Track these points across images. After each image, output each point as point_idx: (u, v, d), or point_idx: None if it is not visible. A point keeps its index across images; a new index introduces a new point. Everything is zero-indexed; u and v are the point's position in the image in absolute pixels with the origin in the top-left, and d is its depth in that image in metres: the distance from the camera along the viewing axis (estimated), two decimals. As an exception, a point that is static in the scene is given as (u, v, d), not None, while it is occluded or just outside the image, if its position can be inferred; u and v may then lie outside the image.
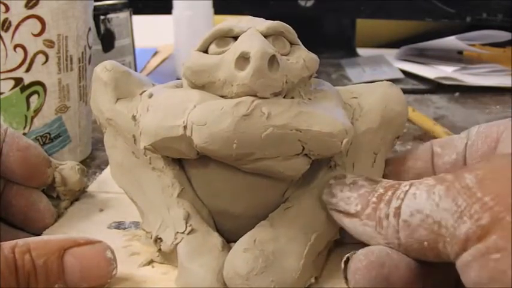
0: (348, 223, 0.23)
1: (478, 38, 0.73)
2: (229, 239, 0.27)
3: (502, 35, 0.71)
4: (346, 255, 0.22)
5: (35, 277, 0.23)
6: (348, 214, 0.23)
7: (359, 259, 0.22)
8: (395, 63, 0.74)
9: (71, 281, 0.24)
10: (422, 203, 0.20)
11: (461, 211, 0.19)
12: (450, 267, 0.20)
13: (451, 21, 0.73)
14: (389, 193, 0.22)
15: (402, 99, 0.28)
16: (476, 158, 0.26)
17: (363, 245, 0.23)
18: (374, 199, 0.22)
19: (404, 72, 0.69)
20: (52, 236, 0.25)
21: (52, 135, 0.40)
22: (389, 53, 0.80)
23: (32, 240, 0.24)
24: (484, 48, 0.78)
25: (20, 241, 0.23)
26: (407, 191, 0.21)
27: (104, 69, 0.29)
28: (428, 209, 0.20)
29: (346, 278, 0.22)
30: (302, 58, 0.26)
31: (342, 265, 0.22)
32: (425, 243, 0.20)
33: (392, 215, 0.21)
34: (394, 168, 0.29)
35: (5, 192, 0.30)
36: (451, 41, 0.72)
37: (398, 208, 0.21)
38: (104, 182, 0.38)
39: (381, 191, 0.22)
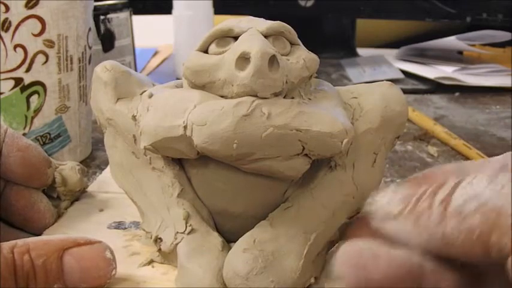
0: (391, 227, 0.20)
1: (478, 38, 0.73)
2: (229, 239, 0.27)
3: (502, 35, 0.71)
4: (332, 248, 0.23)
5: (34, 277, 0.23)
6: (389, 216, 0.20)
7: (342, 249, 0.21)
8: (395, 63, 0.74)
9: (70, 281, 0.24)
10: (481, 189, 0.18)
11: None
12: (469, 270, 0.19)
13: (451, 21, 0.73)
14: (434, 187, 0.19)
15: (402, 99, 0.28)
16: None
17: None
18: (417, 195, 0.20)
19: (404, 72, 0.69)
20: (51, 236, 0.25)
21: (52, 135, 0.40)
22: (389, 53, 0.80)
23: (31, 240, 0.24)
24: (484, 48, 0.78)
25: (20, 241, 0.23)
26: (459, 182, 0.19)
27: (104, 69, 0.29)
28: (488, 195, 0.17)
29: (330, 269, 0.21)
30: (302, 58, 0.26)
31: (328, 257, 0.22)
32: (477, 232, 0.17)
33: (437, 204, 0.19)
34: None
35: (5, 192, 0.30)
36: (451, 41, 0.72)
37: (449, 195, 0.18)
38: (104, 182, 0.38)
39: (424, 187, 0.20)
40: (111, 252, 0.25)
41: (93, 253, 0.24)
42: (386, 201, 0.21)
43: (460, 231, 0.18)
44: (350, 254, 0.20)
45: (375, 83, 0.29)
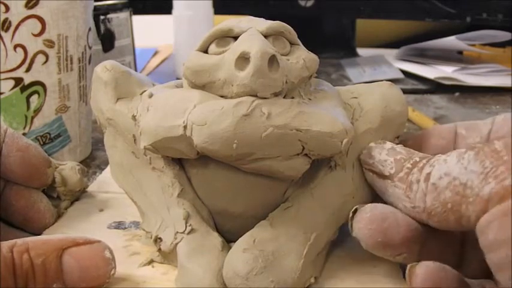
0: (380, 184, 0.24)
1: (478, 38, 0.73)
2: (229, 238, 0.27)
3: (502, 35, 0.71)
4: (355, 207, 0.24)
5: (33, 277, 0.23)
6: (382, 175, 0.24)
7: (365, 211, 0.24)
8: (395, 63, 0.74)
9: (70, 280, 0.23)
10: (451, 166, 0.20)
11: (487, 172, 0.19)
12: (456, 236, 0.22)
13: (451, 21, 0.73)
14: (424, 161, 0.22)
15: (402, 99, 0.28)
16: None
17: (361, 248, 0.24)
18: (408, 165, 0.23)
19: (404, 72, 0.69)
20: (51, 236, 0.25)
21: (52, 135, 0.40)
22: (389, 53, 0.80)
23: (31, 239, 0.24)
24: (484, 48, 0.78)
25: (19, 241, 0.23)
26: (438, 158, 0.22)
27: (104, 69, 0.29)
28: (457, 171, 0.20)
29: (351, 227, 0.24)
30: (302, 58, 0.26)
31: (350, 214, 0.24)
32: (449, 205, 0.20)
33: (423, 179, 0.22)
34: (415, 143, 0.29)
35: (5, 192, 0.30)
36: (451, 41, 0.72)
37: (429, 173, 0.21)
38: (104, 182, 0.38)
39: (417, 159, 0.23)
40: (111, 252, 0.25)
41: (92, 253, 0.24)
42: (383, 159, 0.24)
43: (437, 204, 0.21)
44: (371, 218, 0.23)
45: (374, 83, 0.29)
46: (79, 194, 0.35)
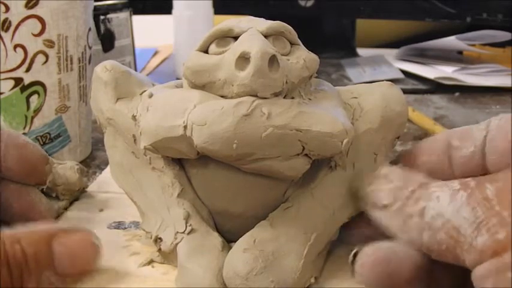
0: (378, 215, 0.23)
1: (478, 38, 0.73)
2: (229, 239, 0.27)
3: (502, 35, 0.71)
4: (355, 249, 0.23)
5: (27, 266, 0.23)
6: (380, 207, 0.23)
7: (367, 254, 0.22)
8: (395, 63, 0.74)
9: (60, 267, 0.24)
10: (444, 206, 0.20)
11: (480, 222, 0.19)
12: (458, 268, 0.21)
13: (451, 21, 0.73)
14: (418, 193, 0.22)
15: (402, 99, 0.28)
16: (495, 154, 0.25)
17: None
18: (404, 195, 0.22)
19: (404, 72, 0.69)
20: (38, 226, 0.25)
21: (52, 135, 0.40)
22: (389, 53, 0.80)
23: (20, 230, 0.24)
24: (484, 48, 0.78)
25: (7, 232, 0.23)
26: (433, 191, 0.21)
27: (104, 69, 0.29)
28: (449, 213, 0.20)
29: (353, 271, 0.23)
30: (302, 58, 0.26)
31: (351, 258, 0.23)
32: (444, 246, 0.20)
33: (417, 215, 0.21)
34: (407, 163, 0.28)
35: (2, 192, 0.30)
36: (451, 41, 0.72)
37: (423, 209, 0.21)
38: (104, 182, 0.38)
39: (414, 187, 0.22)
40: (97, 239, 0.25)
41: (80, 239, 0.25)
42: (378, 189, 0.23)
43: (434, 242, 0.21)
44: (375, 263, 0.22)
45: (375, 83, 0.29)
46: (78, 194, 0.35)
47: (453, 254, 0.20)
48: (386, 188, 0.23)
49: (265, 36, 0.25)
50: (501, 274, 0.18)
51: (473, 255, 0.19)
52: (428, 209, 0.21)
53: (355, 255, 0.23)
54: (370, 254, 0.22)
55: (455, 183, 0.21)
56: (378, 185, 0.24)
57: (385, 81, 0.29)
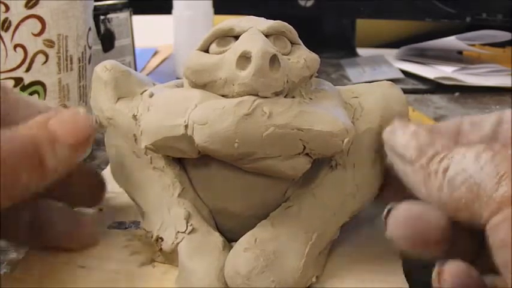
0: (401, 167, 0.24)
1: (478, 38, 0.73)
2: (230, 238, 0.27)
3: (502, 35, 0.71)
4: (389, 206, 0.24)
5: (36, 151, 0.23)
6: (403, 159, 0.24)
7: (401, 211, 0.24)
8: (395, 63, 0.74)
9: (62, 139, 0.24)
10: (469, 164, 0.21)
11: (501, 176, 0.20)
12: (474, 234, 0.23)
13: (451, 21, 0.73)
14: (445, 152, 0.23)
15: (403, 99, 0.28)
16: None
17: (363, 247, 0.23)
18: (430, 153, 0.23)
19: (404, 72, 0.69)
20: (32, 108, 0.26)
21: (52, 135, 0.40)
22: (389, 53, 0.80)
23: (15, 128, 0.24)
24: (484, 48, 0.78)
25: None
26: (458, 152, 0.22)
27: (104, 69, 0.29)
28: (473, 170, 0.21)
29: (385, 226, 0.24)
30: (303, 58, 0.26)
31: (384, 213, 0.24)
32: (463, 200, 0.21)
33: (441, 172, 0.22)
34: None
35: (43, 213, 0.30)
36: (451, 41, 0.72)
37: (447, 167, 0.22)
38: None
39: (438, 148, 0.23)
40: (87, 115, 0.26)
41: (71, 113, 0.25)
42: (406, 141, 0.24)
43: (452, 198, 0.22)
44: (407, 223, 0.23)
45: (375, 82, 0.29)
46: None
47: (470, 210, 0.21)
48: (414, 143, 0.24)
49: (266, 36, 0.25)
50: None
51: (492, 206, 0.20)
52: (452, 166, 0.22)
53: (388, 211, 0.24)
54: (403, 211, 0.24)
55: (481, 146, 0.22)
56: (406, 138, 0.24)
57: (385, 81, 0.29)
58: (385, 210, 0.24)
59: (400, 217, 0.24)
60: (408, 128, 0.25)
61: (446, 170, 0.22)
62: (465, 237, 0.24)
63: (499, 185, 0.20)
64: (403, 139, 0.24)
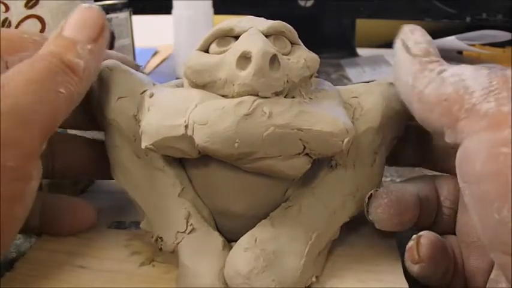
0: (401, 56, 0.24)
1: (478, 38, 0.73)
2: (230, 238, 0.27)
3: (502, 35, 0.71)
4: (370, 192, 0.27)
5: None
6: (408, 51, 0.24)
7: (381, 196, 0.26)
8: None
9: (82, 40, 0.26)
10: (466, 72, 0.21)
11: (491, 90, 0.20)
12: (431, 205, 0.27)
13: (451, 21, 0.73)
14: (446, 64, 0.23)
15: None
16: None
17: (362, 247, 0.24)
18: (434, 58, 0.24)
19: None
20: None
21: (52, 135, 0.40)
22: (390, 53, 0.80)
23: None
24: (484, 48, 0.78)
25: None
26: (458, 66, 0.22)
27: (105, 69, 0.29)
28: (467, 76, 0.21)
29: (367, 212, 0.27)
30: (303, 58, 0.26)
31: (366, 200, 0.27)
32: (444, 98, 0.21)
33: (436, 71, 0.22)
34: None
35: (52, 208, 0.31)
36: (451, 41, 0.72)
37: (443, 70, 0.22)
38: (104, 182, 0.38)
39: (444, 63, 0.23)
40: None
41: (77, 13, 0.27)
42: (418, 40, 0.24)
43: (434, 94, 0.21)
44: (389, 204, 0.26)
45: (374, 82, 0.29)
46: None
47: (446, 109, 0.21)
48: (425, 45, 0.24)
49: (266, 36, 0.25)
50: (496, 149, 0.18)
51: (472, 118, 0.19)
52: (449, 69, 0.22)
53: (369, 197, 0.27)
54: (384, 196, 0.26)
55: (484, 67, 0.22)
56: (421, 38, 0.25)
57: (385, 81, 0.29)
58: (367, 196, 0.27)
59: (382, 203, 0.26)
60: (426, 35, 0.25)
61: (442, 71, 0.22)
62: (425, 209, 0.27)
63: (487, 98, 0.19)
64: (418, 38, 0.25)
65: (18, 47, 0.26)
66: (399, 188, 0.27)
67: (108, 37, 0.28)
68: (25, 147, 0.22)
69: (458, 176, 0.20)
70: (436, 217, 0.28)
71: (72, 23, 0.26)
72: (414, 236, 0.26)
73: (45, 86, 0.23)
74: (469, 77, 0.21)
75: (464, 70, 0.21)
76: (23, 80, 0.23)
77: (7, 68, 0.25)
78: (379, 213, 0.26)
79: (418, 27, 0.25)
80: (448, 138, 0.21)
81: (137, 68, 0.32)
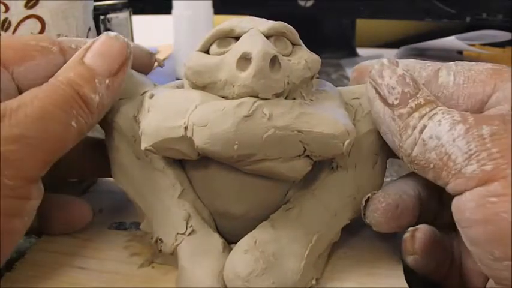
0: (380, 108, 0.25)
1: (478, 38, 0.73)
2: (230, 240, 0.27)
3: (502, 35, 0.71)
4: (367, 195, 0.26)
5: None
6: (385, 102, 0.25)
7: (378, 200, 0.26)
8: (395, 63, 0.74)
9: (101, 74, 0.25)
10: (442, 132, 0.22)
11: (471, 154, 0.21)
12: (432, 203, 0.27)
13: (451, 21, 0.73)
14: (427, 109, 0.23)
15: None
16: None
17: (363, 250, 0.24)
18: (412, 104, 0.24)
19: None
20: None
21: (52, 136, 0.40)
22: (389, 53, 0.80)
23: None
24: (484, 48, 0.78)
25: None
26: (437, 113, 0.23)
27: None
28: (445, 139, 0.22)
29: (364, 215, 0.26)
30: (304, 59, 0.26)
31: (363, 203, 0.26)
32: (432, 165, 0.23)
33: (418, 130, 0.23)
34: None
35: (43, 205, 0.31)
36: (451, 41, 0.72)
37: (425, 127, 0.23)
38: (105, 182, 0.38)
39: (421, 101, 0.24)
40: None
41: (102, 42, 0.26)
42: (392, 86, 0.25)
43: (422, 158, 0.23)
44: (386, 208, 0.26)
45: None
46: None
47: (437, 174, 0.23)
48: (400, 89, 0.24)
49: (267, 37, 0.25)
50: (484, 199, 0.20)
51: (461, 180, 0.21)
52: (427, 128, 0.23)
53: (366, 201, 0.26)
54: (381, 200, 0.26)
55: (457, 115, 0.23)
56: (392, 81, 0.25)
57: None
58: (364, 199, 0.26)
59: (379, 207, 0.26)
60: (396, 72, 0.25)
61: (422, 130, 0.23)
62: (427, 208, 0.27)
63: (469, 162, 0.21)
64: (390, 81, 0.25)
65: (23, 56, 0.26)
66: (398, 189, 0.27)
67: (129, 68, 0.27)
68: (26, 170, 0.23)
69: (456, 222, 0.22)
70: (439, 214, 0.28)
71: (95, 51, 0.26)
72: (410, 229, 0.26)
73: (58, 118, 0.23)
74: (447, 141, 0.22)
75: (442, 129, 0.22)
76: (37, 108, 0.23)
77: (13, 79, 0.25)
78: (376, 217, 0.26)
79: (385, 65, 0.25)
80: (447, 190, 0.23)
81: (151, 56, 0.32)
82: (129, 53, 0.27)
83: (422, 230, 0.26)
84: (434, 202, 0.28)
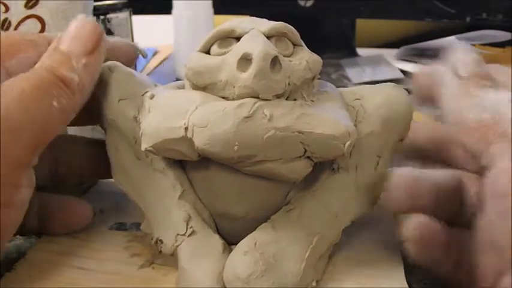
0: (450, 76, 0.26)
1: (478, 38, 0.73)
2: (230, 241, 0.27)
3: (502, 35, 0.71)
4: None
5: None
6: (457, 73, 0.26)
7: (401, 176, 0.25)
8: (395, 63, 0.74)
9: (78, 55, 0.26)
10: (504, 97, 0.24)
11: None
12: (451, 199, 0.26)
13: (451, 21, 0.73)
14: (490, 84, 0.25)
15: (406, 100, 0.28)
16: None
17: (364, 252, 0.24)
18: (480, 79, 0.25)
19: (404, 72, 0.69)
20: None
21: (52, 136, 0.40)
22: (390, 53, 0.80)
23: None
24: (484, 48, 0.78)
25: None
26: (498, 88, 0.25)
27: (106, 70, 0.29)
28: (504, 102, 0.23)
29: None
30: (305, 59, 0.26)
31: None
32: (483, 125, 0.23)
33: (479, 97, 0.24)
34: None
35: (43, 205, 0.31)
36: (451, 41, 0.72)
37: (486, 94, 0.24)
38: (105, 183, 0.38)
39: (487, 84, 0.25)
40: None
41: (75, 26, 0.27)
42: (467, 60, 0.27)
43: (475, 118, 0.24)
44: (406, 182, 0.25)
45: (378, 84, 0.29)
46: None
47: (485, 136, 0.23)
48: (471, 65, 0.26)
49: (268, 37, 0.25)
50: None
51: (504, 142, 0.22)
52: (490, 95, 0.24)
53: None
54: (403, 175, 0.25)
55: None
56: (467, 57, 0.27)
57: (388, 83, 0.29)
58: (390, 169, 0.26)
59: (400, 181, 0.25)
60: (474, 55, 0.27)
61: (483, 96, 0.24)
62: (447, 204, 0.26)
63: None
64: (466, 58, 0.27)
65: (13, 50, 0.26)
66: (415, 173, 0.26)
67: (105, 50, 0.28)
68: (14, 155, 0.23)
69: (488, 195, 0.22)
70: (460, 212, 0.27)
71: (68, 36, 0.26)
72: (406, 214, 0.26)
73: (38, 98, 0.24)
74: (505, 103, 0.23)
75: (503, 95, 0.23)
76: (17, 92, 0.23)
77: (7, 73, 0.26)
78: (396, 191, 0.25)
79: (468, 49, 0.27)
80: (483, 161, 0.23)
81: (133, 46, 0.32)
82: (101, 31, 0.27)
83: (418, 219, 0.25)
84: (456, 197, 0.27)
